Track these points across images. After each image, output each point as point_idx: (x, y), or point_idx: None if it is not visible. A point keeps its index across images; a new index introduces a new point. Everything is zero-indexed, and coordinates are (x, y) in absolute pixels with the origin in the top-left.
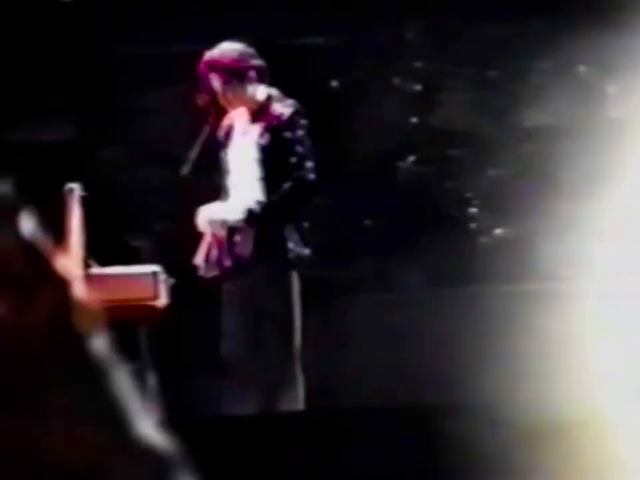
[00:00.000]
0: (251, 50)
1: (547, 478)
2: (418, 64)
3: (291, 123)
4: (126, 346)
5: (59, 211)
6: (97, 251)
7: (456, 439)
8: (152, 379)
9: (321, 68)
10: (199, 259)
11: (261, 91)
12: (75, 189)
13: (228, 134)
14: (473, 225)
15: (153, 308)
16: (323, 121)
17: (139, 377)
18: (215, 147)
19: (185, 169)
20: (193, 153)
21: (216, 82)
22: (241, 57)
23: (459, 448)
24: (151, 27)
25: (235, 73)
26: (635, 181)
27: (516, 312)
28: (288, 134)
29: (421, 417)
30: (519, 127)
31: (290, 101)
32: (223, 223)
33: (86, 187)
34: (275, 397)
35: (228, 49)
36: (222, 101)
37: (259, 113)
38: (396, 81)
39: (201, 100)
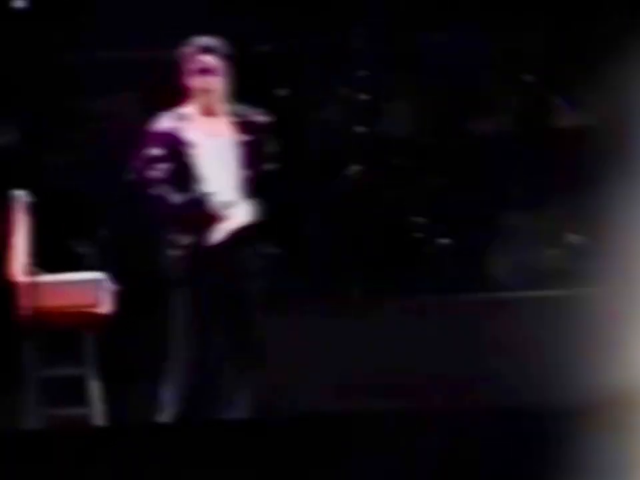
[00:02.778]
0: None
1: None
2: (363, 73)
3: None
4: (70, 352)
5: (3, 217)
6: (42, 258)
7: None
8: (95, 385)
9: (267, 76)
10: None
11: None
12: (21, 196)
13: (181, 132)
14: (417, 234)
15: (95, 315)
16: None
17: (83, 383)
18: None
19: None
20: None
21: (217, 64)
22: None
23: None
24: (100, 32)
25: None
26: (581, 189)
27: (461, 321)
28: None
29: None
30: (464, 136)
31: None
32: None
33: (31, 194)
34: (230, 402)
35: (218, 41)
36: (204, 89)
37: (222, 113)
38: (341, 89)
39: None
